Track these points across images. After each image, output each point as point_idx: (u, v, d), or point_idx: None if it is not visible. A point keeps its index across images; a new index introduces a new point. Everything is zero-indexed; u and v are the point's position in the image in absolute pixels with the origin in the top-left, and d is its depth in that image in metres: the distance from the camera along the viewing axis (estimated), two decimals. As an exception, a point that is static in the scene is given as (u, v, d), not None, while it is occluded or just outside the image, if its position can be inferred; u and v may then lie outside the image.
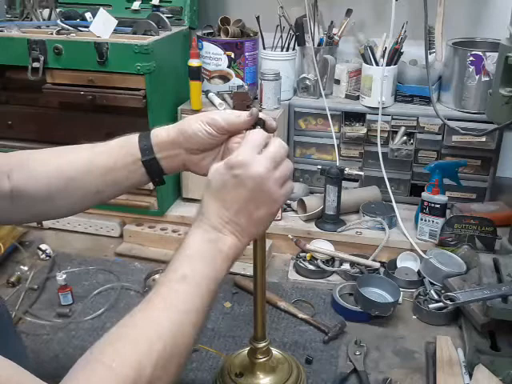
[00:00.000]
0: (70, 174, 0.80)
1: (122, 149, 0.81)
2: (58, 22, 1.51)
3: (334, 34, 1.60)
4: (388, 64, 1.48)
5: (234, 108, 1.51)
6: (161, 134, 0.81)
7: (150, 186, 1.47)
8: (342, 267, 1.37)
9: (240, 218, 0.70)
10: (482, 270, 1.15)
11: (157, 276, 1.33)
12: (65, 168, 0.80)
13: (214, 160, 0.81)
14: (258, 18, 1.59)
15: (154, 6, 1.59)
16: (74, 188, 0.80)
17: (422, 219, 1.40)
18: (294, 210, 1.55)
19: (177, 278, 0.66)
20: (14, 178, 0.79)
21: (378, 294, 1.25)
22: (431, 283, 1.28)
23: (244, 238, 0.72)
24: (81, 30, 1.48)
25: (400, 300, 1.24)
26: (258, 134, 0.73)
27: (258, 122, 0.78)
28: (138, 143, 0.80)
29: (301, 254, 1.41)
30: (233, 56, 1.58)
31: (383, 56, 1.48)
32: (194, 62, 1.46)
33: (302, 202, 1.52)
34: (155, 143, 0.80)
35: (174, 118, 1.52)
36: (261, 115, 0.79)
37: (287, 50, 1.62)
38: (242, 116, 0.78)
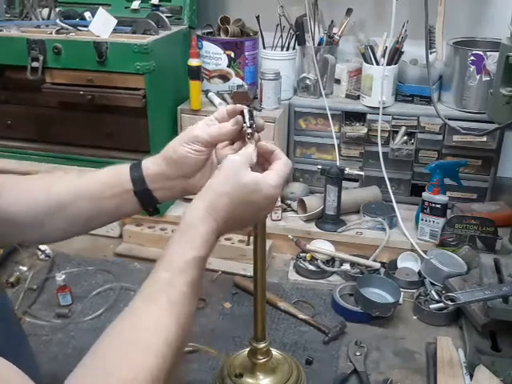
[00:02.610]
0: (59, 200, 0.78)
1: (113, 178, 0.79)
2: (58, 21, 1.51)
3: (335, 34, 1.60)
4: (388, 63, 1.47)
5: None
6: (150, 167, 0.79)
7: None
8: (343, 267, 1.37)
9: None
10: (483, 270, 1.15)
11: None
12: (54, 194, 0.79)
13: (209, 173, 0.80)
14: (257, 18, 1.58)
15: (154, 5, 1.59)
16: (63, 214, 0.78)
17: (422, 219, 1.40)
18: (294, 210, 1.55)
19: (185, 282, 0.65)
20: (1, 203, 0.77)
21: (378, 294, 1.25)
22: (432, 283, 1.28)
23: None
24: (80, 30, 1.48)
25: (400, 300, 1.23)
26: (289, 166, 0.75)
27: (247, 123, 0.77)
28: (130, 173, 0.79)
29: (301, 255, 1.41)
30: (233, 55, 1.57)
31: (384, 55, 1.47)
32: (193, 62, 1.45)
33: (302, 202, 1.52)
34: (147, 175, 0.79)
35: (173, 118, 1.52)
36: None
37: (287, 50, 1.61)
38: (226, 127, 0.77)
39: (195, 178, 0.80)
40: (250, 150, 0.73)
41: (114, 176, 0.80)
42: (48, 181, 0.82)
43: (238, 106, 0.79)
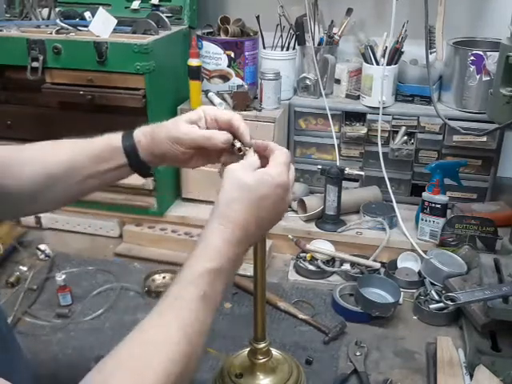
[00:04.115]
0: (54, 171, 0.79)
1: (105, 146, 0.81)
2: (58, 21, 1.51)
3: (335, 34, 1.59)
4: (388, 63, 1.47)
5: (234, 108, 1.50)
6: (141, 140, 0.80)
7: (150, 185, 1.49)
8: (343, 267, 1.37)
9: (256, 232, 0.70)
10: (483, 270, 1.15)
11: (156, 276, 1.33)
12: (49, 166, 0.79)
13: (198, 161, 0.81)
14: (257, 18, 1.58)
15: (154, 5, 1.59)
16: (57, 187, 0.79)
17: (422, 219, 1.40)
18: (294, 210, 1.55)
19: (197, 296, 0.63)
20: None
21: (378, 294, 1.25)
22: (432, 283, 1.27)
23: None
24: (80, 30, 1.48)
25: (400, 300, 1.23)
26: (287, 154, 0.74)
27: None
28: (121, 142, 0.80)
29: (301, 255, 1.41)
30: (233, 55, 1.57)
31: (384, 55, 1.47)
32: (193, 62, 1.45)
33: (302, 202, 1.52)
34: (138, 144, 0.80)
35: (173, 118, 1.52)
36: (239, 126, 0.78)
37: (287, 50, 1.61)
38: (213, 140, 0.76)
39: (180, 163, 0.82)
40: (249, 158, 0.73)
41: (108, 145, 0.81)
42: (44, 152, 0.82)
43: (235, 122, 0.78)
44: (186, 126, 0.77)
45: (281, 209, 0.72)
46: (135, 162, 0.80)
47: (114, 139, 0.81)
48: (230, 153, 0.78)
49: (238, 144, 0.76)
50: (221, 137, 0.76)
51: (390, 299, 1.22)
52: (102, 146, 0.81)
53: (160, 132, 0.78)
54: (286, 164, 0.72)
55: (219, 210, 0.68)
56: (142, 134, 0.80)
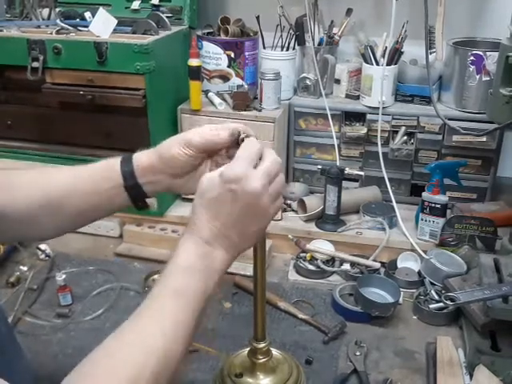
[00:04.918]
0: (53, 197, 0.79)
1: (104, 172, 0.80)
2: (58, 21, 1.51)
3: (335, 34, 1.60)
4: (388, 64, 1.48)
5: (234, 108, 1.50)
6: (142, 159, 0.80)
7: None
8: (342, 267, 1.37)
9: (232, 232, 0.69)
10: (483, 270, 1.15)
11: (156, 276, 1.33)
12: (47, 192, 0.79)
13: (206, 168, 0.82)
14: (257, 18, 1.58)
15: (154, 5, 1.59)
16: (56, 212, 0.79)
17: (422, 219, 1.40)
18: (294, 210, 1.55)
19: (168, 292, 0.66)
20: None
21: (378, 294, 1.25)
22: (431, 283, 1.28)
23: (234, 253, 0.71)
24: (80, 30, 1.48)
25: (400, 300, 1.24)
26: (253, 146, 0.71)
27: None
28: (120, 167, 0.79)
29: (301, 255, 1.41)
30: (233, 55, 1.57)
31: (383, 55, 1.47)
32: (193, 62, 1.45)
33: (302, 202, 1.52)
34: (137, 168, 0.79)
35: (173, 118, 1.52)
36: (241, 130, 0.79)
37: (287, 50, 1.61)
38: (221, 135, 0.77)
39: (182, 180, 0.81)
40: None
41: (106, 169, 0.80)
42: (43, 178, 0.82)
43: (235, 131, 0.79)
44: (193, 131, 0.79)
45: (262, 202, 0.68)
46: (131, 184, 0.80)
47: (114, 159, 0.81)
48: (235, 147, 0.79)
49: (242, 135, 0.77)
50: (227, 130, 0.78)
51: (390, 299, 1.22)
52: (100, 165, 0.81)
53: (167, 145, 0.79)
54: (250, 155, 0.69)
55: (189, 216, 0.71)
56: (142, 155, 0.81)
